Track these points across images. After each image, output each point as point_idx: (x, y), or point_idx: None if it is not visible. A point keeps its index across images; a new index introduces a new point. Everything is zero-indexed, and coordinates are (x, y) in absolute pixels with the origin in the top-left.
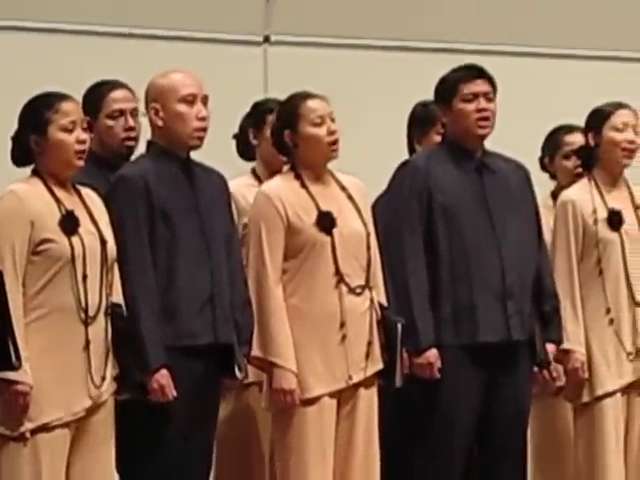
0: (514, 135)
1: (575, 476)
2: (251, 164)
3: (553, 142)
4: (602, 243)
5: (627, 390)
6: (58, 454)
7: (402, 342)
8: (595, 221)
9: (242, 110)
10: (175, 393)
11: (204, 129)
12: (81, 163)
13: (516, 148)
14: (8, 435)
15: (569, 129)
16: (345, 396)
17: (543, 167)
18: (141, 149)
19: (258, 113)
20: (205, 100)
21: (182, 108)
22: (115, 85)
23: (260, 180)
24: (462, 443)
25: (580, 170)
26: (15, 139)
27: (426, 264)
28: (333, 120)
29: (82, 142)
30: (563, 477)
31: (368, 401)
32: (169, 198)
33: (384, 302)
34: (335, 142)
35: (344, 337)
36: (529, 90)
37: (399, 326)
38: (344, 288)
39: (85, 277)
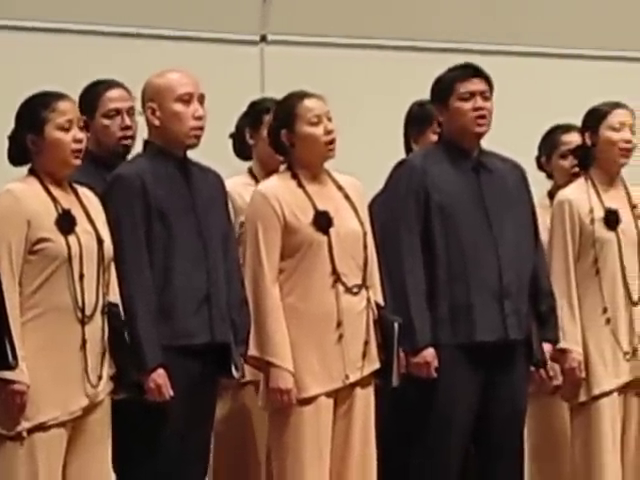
0: (511, 134)
1: (572, 476)
2: (247, 163)
3: (550, 141)
4: (599, 243)
5: (624, 390)
6: (55, 453)
7: (399, 341)
8: (592, 221)
9: (239, 109)
10: (172, 392)
11: (201, 128)
12: (78, 162)
13: (513, 147)
14: (5, 435)
15: (566, 128)
16: (342, 396)
17: (540, 166)
18: (137, 148)
19: (255, 113)
20: (202, 99)
21: (179, 107)
22: (111, 84)
23: (257, 179)
24: (459, 442)
25: (577, 169)
26: (12, 138)
27: (423, 263)
28: (330, 119)
29: (79, 141)
30: (560, 477)
31: (365, 401)
32: (166, 197)
33: (381, 301)
34: (332, 142)
35: (341, 336)
36: (526, 89)
37: (396, 325)
38: (341, 287)
39: (82, 276)
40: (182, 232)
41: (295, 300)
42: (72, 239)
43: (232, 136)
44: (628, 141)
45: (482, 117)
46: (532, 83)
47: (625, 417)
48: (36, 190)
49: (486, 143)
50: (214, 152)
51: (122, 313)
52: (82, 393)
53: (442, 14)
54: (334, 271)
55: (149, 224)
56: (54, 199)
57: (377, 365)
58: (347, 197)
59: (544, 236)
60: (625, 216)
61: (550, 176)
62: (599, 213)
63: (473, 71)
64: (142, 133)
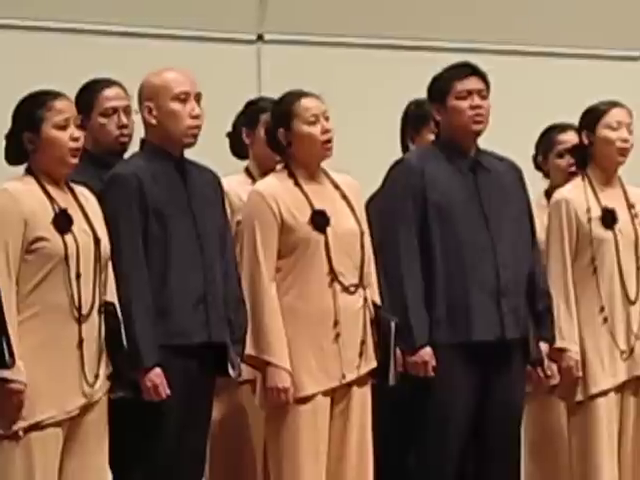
0: (508, 134)
1: (568, 474)
2: (244, 163)
3: (547, 141)
4: (596, 242)
5: (621, 389)
6: (51, 453)
7: (396, 341)
8: (589, 220)
9: (235, 108)
10: (168, 392)
11: (198, 127)
12: (75, 161)
13: (510, 147)
14: (1, 434)
15: (563, 128)
16: (339, 395)
17: (537, 166)
18: (134, 147)
19: (251, 112)
20: (198, 98)
21: (175, 106)
22: (108, 83)
23: (254, 179)
24: (456, 442)
25: (574, 169)
26: (9, 137)
27: (420, 263)
28: (327, 119)
29: (76, 139)
30: (556, 475)
31: (362, 400)
32: (162, 197)
33: (378, 301)
34: (329, 141)
35: (338, 336)
36: (523, 89)
37: (393, 325)
38: (338, 287)
39: (79, 275)
40: (179, 231)
41: (292, 299)
42: (69, 238)
43: (229, 135)
44: (625, 140)
45: (479, 115)
46: (529, 82)
47: (622, 416)
48: (33, 189)
49: (483, 142)
50: (211, 151)
51: (119, 312)
52: (79, 392)
53: (439, 14)
54: (331, 270)
55: (146, 223)
56: (51, 198)
57: (374, 364)
58: (344, 196)
59: (541, 235)
60: (622, 215)
61: (547, 175)
62: (596, 212)
63: (470, 70)
64: (139, 131)
